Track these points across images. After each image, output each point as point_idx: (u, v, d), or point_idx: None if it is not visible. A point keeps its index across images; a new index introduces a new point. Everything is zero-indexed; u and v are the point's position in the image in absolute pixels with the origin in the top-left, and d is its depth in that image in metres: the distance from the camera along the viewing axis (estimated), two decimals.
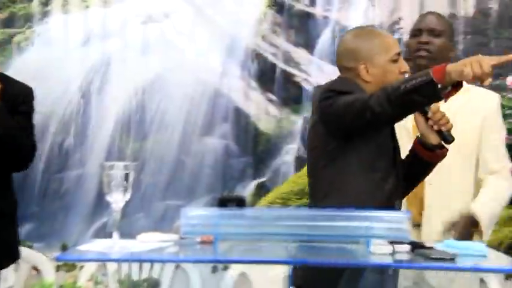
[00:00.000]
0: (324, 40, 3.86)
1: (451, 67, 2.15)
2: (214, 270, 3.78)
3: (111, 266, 3.60)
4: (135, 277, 3.66)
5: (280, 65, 3.88)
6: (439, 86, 2.15)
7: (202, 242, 2.21)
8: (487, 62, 2.16)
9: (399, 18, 3.76)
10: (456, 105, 2.74)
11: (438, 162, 2.47)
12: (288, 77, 3.88)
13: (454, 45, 2.89)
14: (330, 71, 3.83)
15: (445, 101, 2.38)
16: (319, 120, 2.39)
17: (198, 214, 2.14)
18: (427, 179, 2.71)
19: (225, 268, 3.73)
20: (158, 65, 3.94)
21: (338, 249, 2.21)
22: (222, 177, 3.88)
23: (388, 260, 2.10)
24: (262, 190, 3.85)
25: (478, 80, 2.14)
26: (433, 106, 2.36)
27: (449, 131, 2.37)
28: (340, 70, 2.46)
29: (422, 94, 2.17)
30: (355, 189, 2.41)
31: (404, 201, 2.69)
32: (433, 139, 2.40)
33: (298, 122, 3.84)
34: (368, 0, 3.79)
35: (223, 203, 2.30)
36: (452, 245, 2.16)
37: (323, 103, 2.38)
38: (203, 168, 3.88)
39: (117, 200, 2.02)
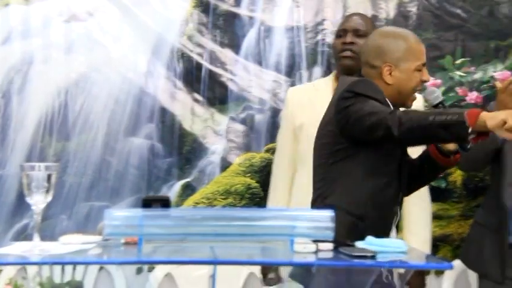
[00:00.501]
0: (250, 40, 3.87)
1: (486, 115, 2.11)
2: (139, 271, 3.75)
3: (32, 269, 3.52)
4: (57, 280, 3.59)
5: (206, 65, 3.88)
6: (470, 129, 2.12)
7: (127, 243, 2.19)
8: None
9: (323, 20, 3.81)
10: None
11: (450, 168, 2.48)
12: (214, 77, 3.87)
13: None
14: (255, 71, 3.85)
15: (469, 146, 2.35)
16: (334, 117, 2.38)
17: (121, 215, 2.11)
18: None
19: (150, 269, 3.70)
20: (82, 65, 3.88)
21: (262, 249, 2.22)
22: (147, 178, 3.84)
23: (311, 259, 2.13)
24: (187, 190, 3.83)
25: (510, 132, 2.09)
26: None
27: None
28: (363, 65, 2.44)
29: (450, 132, 2.14)
30: (358, 192, 2.40)
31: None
32: (451, 145, 2.40)
33: (224, 122, 3.85)
34: (292, 1, 3.83)
35: (147, 203, 2.29)
36: (373, 243, 2.20)
37: (341, 102, 2.36)
38: (128, 169, 3.84)
39: (38, 201, 1.98)
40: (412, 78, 2.40)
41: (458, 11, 3.77)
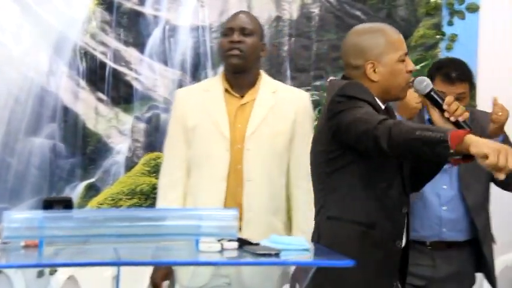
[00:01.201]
0: (155, 39, 3.85)
1: (471, 140, 2.01)
2: (40, 274, 3.66)
3: None
4: None
5: (110, 63, 3.83)
6: (451, 151, 2.03)
7: (27, 246, 2.14)
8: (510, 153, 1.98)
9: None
10: (265, 107, 2.80)
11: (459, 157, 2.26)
12: (118, 76, 3.83)
13: (265, 45, 2.92)
14: (160, 70, 3.83)
15: (452, 165, 2.31)
16: (326, 123, 2.29)
17: (21, 217, 2.06)
18: (246, 175, 2.75)
19: (52, 272, 3.62)
20: None
21: (167, 249, 2.22)
22: (50, 179, 3.76)
23: (216, 258, 2.14)
24: (91, 191, 3.77)
25: (494, 170, 1.99)
26: (448, 98, 2.28)
27: (466, 121, 2.28)
28: (345, 67, 2.37)
29: (431, 149, 2.05)
30: (362, 199, 2.32)
31: (223, 196, 2.72)
32: None
33: (129, 121, 3.81)
34: (197, 0, 3.83)
35: (49, 205, 2.24)
36: (277, 241, 2.23)
37: (333, 107, 2.27)
38: (29, 169, 3.75)
39: None
40: (397, 70, 2.33)
41: (358, 13, 3.87)
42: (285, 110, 2.84)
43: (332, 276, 2.27)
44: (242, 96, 2.85)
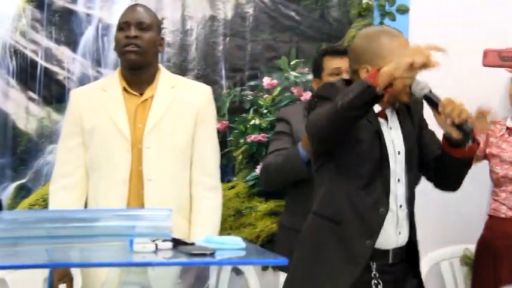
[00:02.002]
0: (87, 38, 3.79)
1: (386, 68, 2.12)
2: None
3: None
4: None
5: (42, 62, 3.76)
6: (378, 88, 2.12)
7: None
8: (420, 47, 2.13)
9: (162, 18, 3.80)
10: (164, 103, 2.75)
11: (470, 157, 2.35)
12: (50, 75, 3.76)
13: (163, 40, 2.86)
14: (94, 70, 3.78)
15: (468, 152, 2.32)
16: None
17: None
18: (146, 174, 2.71)
19: None
20: None
21: (100, 250, 2.19)
22: None
23: (150, 258, 2.13)
24: (22, 192, 3.69)
25: (425, 67, 2.08)
26: (444, 99, 2.26)
27: (466, 121, 2.24)
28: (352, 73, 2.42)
29: (362, 101, 2.14)
30: (334, 196, 2.38)
31: (125, 198, 2.68)
32: (455, 133, 2.26)
33: (61, 121, 3.74)
34: None
35: None
36: (212, 240, 2.24)
37: (308, 108, 2.37)
38: None
39: None
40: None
41: (292, 14, 3.90)
42: (185, 105, 2.77)
43: (303, 270, 2.40)
44: (141, 94, 2.77)
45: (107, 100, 2.77)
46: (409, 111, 2.50)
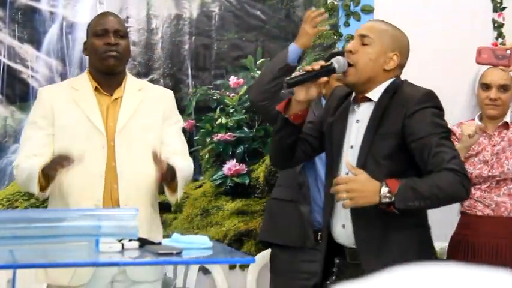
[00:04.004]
0: (52, 36, 3.75)
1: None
2: None
3: None
4: None
5: (5, 60, 3.71)
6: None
7: None
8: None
9: (127, 17, 3.78)
10: (133, 104, 2.82)
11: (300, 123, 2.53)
12: (13, 74, 3.71)
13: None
14: (58, 68, 3.74)
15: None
16: None
17: None
18: (119, 170, 2.76)
19: None
20: None
21: (65, 250, 2.18)
22: None
23: (117, 258, 2.12)
24: None
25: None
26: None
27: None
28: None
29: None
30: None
31: (101, 193, 2.72)
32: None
33: (25, 120, 3.69)
34: None
35: None
36: (179, 240, 2.24)
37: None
38: None
39: None
40: None
41: (258, 13, 3.91)
42: (152, 106, 2.91)
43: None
44: (111, 95, 2.88)
45: (79, 98, 2.83)
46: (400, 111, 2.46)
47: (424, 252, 2.45)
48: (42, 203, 3.63)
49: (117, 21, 2.93)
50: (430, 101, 2.43)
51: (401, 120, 2.40)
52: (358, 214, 2.39)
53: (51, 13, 3.75)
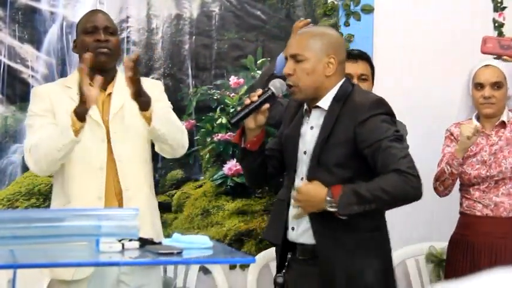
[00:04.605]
0: (52, 36, 3.75)
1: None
2: None
3: None
4: None
5: (5, 60, 3.71)
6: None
7: None
8: None
9: (128, 17, 3.79)
10: (123, 95, 2.84)
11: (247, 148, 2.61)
12: (13, 74, 3.71)
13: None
14: (58, 68, 3.75)
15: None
16: None
17: None
18: (117, 156, 2.82)
19: None
20: None
21: (66, 250, 2.18)
22: None
23: (117, 258, 2.12)
24: None
25: None
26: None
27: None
28: None
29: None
30: None
31: (103, 184, 2.78)
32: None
33: (25, 120, 3.69)
34: None
35: None
36: (179, 240, 2.24)
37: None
38: None
39: None
40: None
41: (258, 13, 3.91)
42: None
43: None
44: (105, 90, 2.92)
45: (74, 95, 2.83)
46: (351, 117, 2.51)
47: (375, 256, 2.50)
48: (43, 203, 3.63)
49: (107, 18, 2.96)
50: (380, 108, 2.47)
51: (353, 128, 2.46)
52: (316, 216, 2.48)
53: (52, 13, 3.75)
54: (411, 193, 2.38)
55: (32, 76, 3.73)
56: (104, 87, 2.89)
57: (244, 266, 3.71)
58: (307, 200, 2.42)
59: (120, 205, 2.79)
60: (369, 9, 3.92)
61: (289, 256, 2.60)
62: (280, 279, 2.57)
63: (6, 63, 3.71)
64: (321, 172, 2.48)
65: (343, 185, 2.38)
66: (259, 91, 2.53)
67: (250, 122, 2.53)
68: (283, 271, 2.57)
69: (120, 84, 2.88)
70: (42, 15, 3.75)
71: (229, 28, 3.87)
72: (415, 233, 3.79)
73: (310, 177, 2.50)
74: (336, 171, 2.46)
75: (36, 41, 3.73)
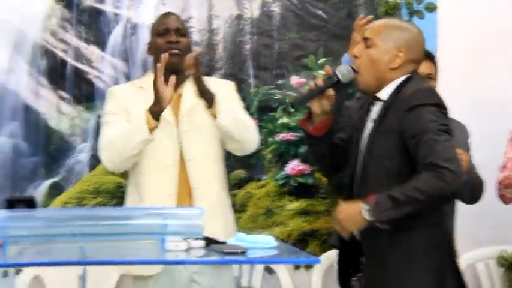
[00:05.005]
0: (116, 37, 3.82)
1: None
2: (5, 274, 3.62)
3: None
4: None
5: (71, 61, 3.79)
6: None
7: None
8: None
9: (189, 18, 3.83)
10: (195, 95, 2.87)
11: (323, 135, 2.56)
12: (79, 74, 3.80)
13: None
14: (122, 69, 3.81)
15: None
16: None
17: None
18: (186, 154, 2.87)
19: (17, 272, 3.58)
20: None
21: (133, 248, 2.22)
22: (12, 178, 3.70)
23: (183, 257, 2.14)
24: (55, 190, 3.73)
25: None
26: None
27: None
28: None
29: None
30: None
31: (176, 179, 2.82)
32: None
33: (92, 120, 3.78)
34: None
35: (11, 204, 2.22)
36: (244, 239, 2.25)
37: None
38: None
39: None
40: None
41: (320, 12, 3.90)
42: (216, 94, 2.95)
43: None
44: (176, 90, 2.95)
45: (147, 95, 2.90)
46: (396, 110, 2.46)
47: (435, 253, 2.39)
48: (110, 201, 3.71)
49: (178, 20, 3.02)
50: (428, 98, 2.39)
51: (399, 117, 2.39)
52: (364, 232, 2.41)
53: (116, 14, 3.82)
54: (447, 189, 2.26)
55: (97, 77, 3.80)
56: (176, 87, 2.92)
57: (309, 267, 3.71)
58: (346, 217, 2.33)
59: (192, 203, 2.83)
60: (432, 8, 3.87)
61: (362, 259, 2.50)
62: (355, 283, 2.49)
63: (73, 64, 3.79)
64: (372, 164, 2.43)
65: (378, 194, 2.30)
66: (325, 76, 2.50)
67: (315, 106, 2.49)
68: (359, 275, 2.48)
69: (191, 85, 2.92)
70: (107, 17, 3.82)
71: (290, 28, 3.88)
72: (486, 235, 3.71)
73: (363, 169, 2.45)
74: (386, 162, 2.39)
75: (101, 42, 3.81)
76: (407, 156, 2.37)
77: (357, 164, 2.48)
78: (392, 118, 2.41)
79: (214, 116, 2.80)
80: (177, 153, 2.88)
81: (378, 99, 2.49)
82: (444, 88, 3.21)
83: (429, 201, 2.29)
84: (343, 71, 2.48)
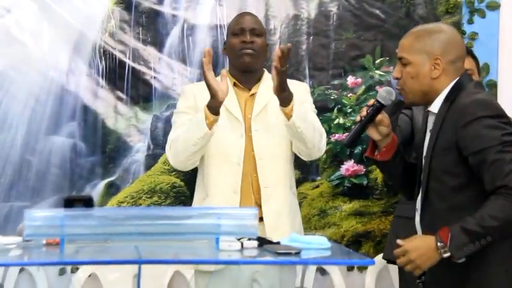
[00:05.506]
0: (173, 38, 3.86)
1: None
2: (62, 272, 3.68)
3: None
4: None
5: (129, 62, 3.84)
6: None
7: (48, 244, 2.16)
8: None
9: None
10: (268, 95, 2.89)
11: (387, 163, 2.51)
12: (137, 75, 3.85)
13: (268, 45, 3.07)
14: (179, 69, 3.85)
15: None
16: None
17: (42, 215, 2.09)
18: (257, 154, 2.87)
19: (74, 270, 3.64)
20: (0, 62, 3.78)
21: (187, 247, 2.22)
22: (70, 177, 3.78)
23: (236, 257, 2.14)
24: (112, 189, 3.79)
25: None
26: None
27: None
28: None
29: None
30: None
31: (239, 177, 2.83)
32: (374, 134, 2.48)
33: (149, 120, 3.82)
34: None
35: (69, 203, 2.25)
36: (297, 239, 2.24)
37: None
38: (50, 168, 3.77)
39: None
40: None
41: (377, 12, 3.86)
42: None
43: None
44: (249, 90, 2.98)
45: None
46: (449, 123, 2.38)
47: None
48: (164, 201, 3.74)
49: (254, 20, 3.01)
50: (482, 110, 2.27)
51: (456, 132, 2.30)
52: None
53: (173, 16, 3.86)
54: None
55: (154, 77, 3.84)
56: (249, 87, 2.96)
57: (362, 268, 3.68)
58: (419, 256, 2.24)
59: (258, 202, 2.84)
60: (494, 6, 3.79)
61: None
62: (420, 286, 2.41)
63: (131, 65, 3.84)
64: (432, 180, 2.35)
65: (450, 227, 2.21)
66: (368, 105, 2.47)
67: (373, 134, 2.46)
68: (423, 277, 2.39)
69: (266, 85, 2.93)
70: (165, 18, 3.86)
71: (347, 27, 3.85)
72: None
73: (423, 186, 2.38)
74: (446, 179, 2.32)
75: (158, 43, 3.85)
76: (469, 172, 2.29)
77: (421, 181, 2.42)
78: (449, 133, 2.33)
79: (287, 115, 2.77)
80: (244, 150, 2.88)
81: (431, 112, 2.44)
82: (505, 89, 3.16)
83: (506, 227, 2.21)
84: (382, 95, 2.45)
